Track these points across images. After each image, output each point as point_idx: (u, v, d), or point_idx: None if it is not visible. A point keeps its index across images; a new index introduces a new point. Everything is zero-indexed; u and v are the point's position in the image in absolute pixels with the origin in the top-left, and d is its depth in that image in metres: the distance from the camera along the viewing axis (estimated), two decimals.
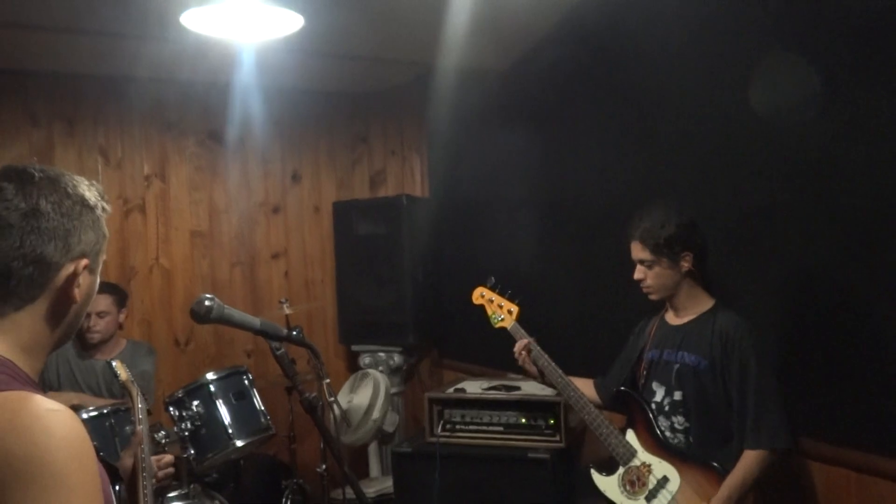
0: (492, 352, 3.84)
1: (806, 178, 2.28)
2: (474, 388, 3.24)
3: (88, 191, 1.11)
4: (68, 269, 1.06)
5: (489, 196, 3.87)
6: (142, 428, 1.98)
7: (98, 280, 1.15)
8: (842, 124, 2.17)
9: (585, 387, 2.60)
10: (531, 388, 3.10)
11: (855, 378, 2.17)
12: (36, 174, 1.07)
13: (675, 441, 2.29)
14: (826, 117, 2.21)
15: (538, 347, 2.53)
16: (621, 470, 2.34)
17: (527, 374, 2.72)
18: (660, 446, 2.29)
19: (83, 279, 1.09)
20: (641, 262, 2.32)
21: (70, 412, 0.97)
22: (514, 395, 3.07)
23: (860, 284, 2.15)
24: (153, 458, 1.93)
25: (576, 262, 3.30)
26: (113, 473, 1.55)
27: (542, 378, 2.57)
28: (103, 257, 1.15)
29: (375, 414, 3.76)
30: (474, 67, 3.67)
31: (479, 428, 3.07)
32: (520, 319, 2.62)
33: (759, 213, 2.43)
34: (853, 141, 2.14)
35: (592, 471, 2.42)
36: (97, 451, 1.22)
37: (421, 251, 4.16)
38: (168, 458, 2.00)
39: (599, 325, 3.16)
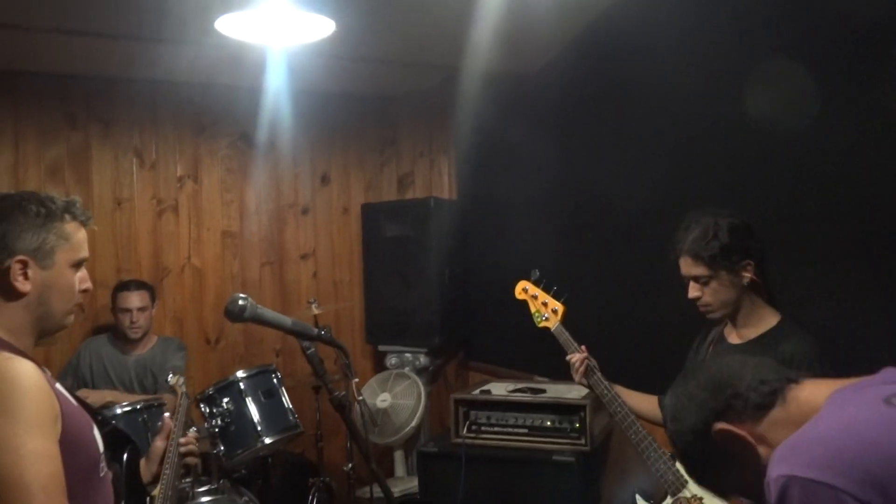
0: (518, 354, 3.86)
1: (826, 184, 2.24)
2: (500, 389, 3.25)
3: (50, 202, 1.41)
4: (6, 265, 1.35)
5: (516, 198, 3.88)
6: (178, 418, 2.14)
7: (66, 275, 1.41)
8: (859, 130, 2.16)
9: (649, 403, 2.36)
10: (557, 391, 3.11)
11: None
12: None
13: None
14: (840, 122, 2.19)
15: (594, 362, 2.37)
16: (669, 500, 2.14)
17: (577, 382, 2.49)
18: None
19: (32, 273, 1.37)
20: (696, 279, 2.04)
21: (30, 364, 1.28)
22: (540, 397, 3.08)
23: (869, 287, 2.10)
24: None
25: (601, 265, 3.30)
26: (123, 439, 1.73)
27: (589, 390, 2.41)
28: (74, 255, 1.42)
29: (415, 421, 3.82)
30: (501, 71, 3.69)
31: (505, 430, 3.08)
32: (565, 321, 2.45)
33: (781, 218, 2.41)
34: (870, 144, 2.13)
35: (638, 497, 2.27)
36: (108, 422, 1.62)
37: (448, 253, 4.18)
38: (190, 436, 2.09)
39: (623, 331, 3.16)
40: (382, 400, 3.91)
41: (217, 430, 3.17)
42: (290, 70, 3.72)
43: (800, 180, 2.36)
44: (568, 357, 2.41)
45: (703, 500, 2.08)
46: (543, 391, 3.16)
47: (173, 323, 4.16)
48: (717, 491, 1.31)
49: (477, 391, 3.25)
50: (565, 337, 2.43)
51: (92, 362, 3.62)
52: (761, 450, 1.13)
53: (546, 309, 2.50)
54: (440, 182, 4.58)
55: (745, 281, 2.01)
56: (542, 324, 2.50)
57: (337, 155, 4.63)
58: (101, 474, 1.40)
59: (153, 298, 3.69)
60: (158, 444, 1.90)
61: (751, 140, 2.52)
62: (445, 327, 4.16)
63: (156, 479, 1.89)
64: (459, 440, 3.09)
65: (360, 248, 4.52)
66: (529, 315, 2.56)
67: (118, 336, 3.65)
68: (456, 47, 3.32)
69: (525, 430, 3.04)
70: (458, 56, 3.43)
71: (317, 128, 4.51)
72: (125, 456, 1.70)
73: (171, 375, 2.61)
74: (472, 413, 3.14)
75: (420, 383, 3.95)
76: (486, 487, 3.01)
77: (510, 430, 3.06)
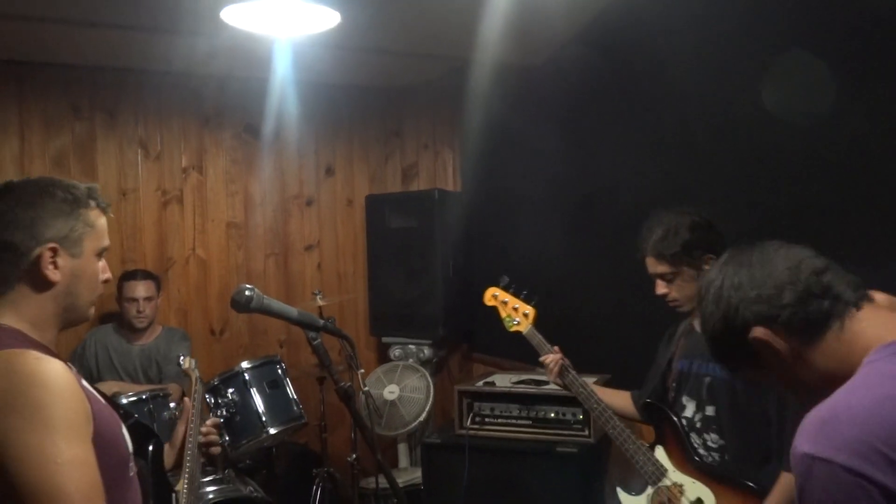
0: (522, 346, 3.83)
1: (836, 177, 2.25)
2: (504, 381, 3.26)
3: (75, 188, 1.34)
4: (37, 252, 1.28)
5: (520, 191, 3.88)
6: (196, 403, 2.09)
7: (96, 264, 1.36)
8: (865, 124, 2.15)
9: (623, 399, 2.47)
10: None
11: None
12: (20, 182, 1.34)
13: (710, 460, 2.11)
14: (852, 115, 2.19)
15: (568, 361, 2.41)
16: (650, 490, 2.18)
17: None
18: (693, 466, 2.12)
19: (62, 261, 1.30)
20: (661, 276, 2.13)
21: (58, 362, 1.21)
22: (544, 389, 3.08)
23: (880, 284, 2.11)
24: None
25: (606, 258, 3.30)
26: (146, 433, 1.72)
27: (564, 388, 2.44)
28: (99, 245, 1.35)
29: (424, 415, 3.84)
30: (507, 63, 3.68)
31: (509, 421, 3.09)
32: (536, 323, 2.47)
33: (790, 211, 2.41)
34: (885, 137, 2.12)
35: (619, 490, 2.29)
36: (131, 415, 1.43)
37: (452, 245, 4.19)
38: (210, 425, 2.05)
39: (630, 324, 3.16)
40: (391, 391, 3.92)
41: (222, 420, 3.18)
42: (296, 61, 3.71)
43: (809, 173, 2.35)
44: (541, 358, 2.44)
45: (684, 488, 2.11)
46: (547, 383, 3.16)
47: (178, 314, 4.17)
48: (734, 372, 1.27)
49: (481, 383, 3.26)
50: (538, 339, 2.46)
51: (97, 351, 3.63)
52: (800, 370, 1.07)
53: (517, 313, 2.53)
54: (444, 174, 4.57)
55: None
56: (514, 328, 2.52)
57: (341, 146, 4.63)
58: (131, 473, 1.35)
59: (159, 288, 3.71)
60: (181, 428, 1.90)
61: (759, 133, 2.51)
62: (449, 319, 4.17)
63: (177, 465, 1.88)
64: (463, 431, 3.10)
65: (364, 239, 4.53)
66: (503, 321, 2.55)
67: (123, 325, 3.67)
68: (461, 39, 3.31)
69: (529, 422, 3.05)
70: (463, 47, 3.42)
71: (321, 119, 4.51)
72: (150, 450, 1.69)
73: (182, 358, 2.59)
74: (476, 404, 3.15)
75: (429, 378, 3.97)
76: (490, 479, 3.02)
77: (514, 421, 3.07)
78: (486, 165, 4.20)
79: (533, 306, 2.50)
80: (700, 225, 2.11)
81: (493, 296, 2.60)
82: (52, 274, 1.29)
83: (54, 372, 1.18)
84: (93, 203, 1.36)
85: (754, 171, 2.53)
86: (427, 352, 4.24)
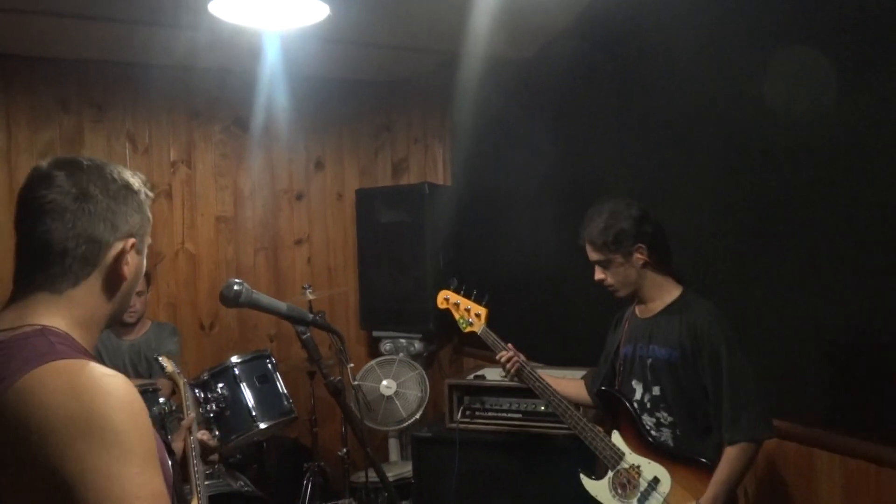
0: (512, 339, 3.86)
1: (824, 169, 2.27)
2: (494, 375, 3.26)
3: (132, 177, 1.20)
4: (117, 247, 1.15)
5: (511, 184, 3.88)
6: (190, 414, 2.08)
7: (145, 261, 1.23)
8: (859, 116, 2.16)
9: (576, 386, 2.57)
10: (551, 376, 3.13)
11: (876, 369, 2.16)
12: (84, 162, 1.15)
13: (663, 438, 2.22)
14: (842, 109, 2.20)
15: (512, 353, 2.48)
16: (611, 473, 2.28)
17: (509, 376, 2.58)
18: (647, 447, 2.23)
19: (131, 258, 1.18)
20: (598, 262, 2.26)
21: (124, 378, 1.03)
22: None
23: (880, 276, 2.14)
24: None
25: None
26: (168, 450, 1.61)
27: (521, 383, 2.52)
28: (149, 240, 1.23)
29: (420, 412, 3.85)
30: (497, 56, 3.68)
31: (499, 414, 3.09)
32: (489, 322, 2.53)
33: (779, 203, 2.43)
34: (872, 132, 2.13)
35: (582, 475, 2.37)
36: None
37: (442, 239, 4.19)
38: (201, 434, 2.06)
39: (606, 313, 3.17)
40: (387, 386, 3.92)
41: (212, 415, 3.17)
42: (285, 55, 3.69)
43: (800, 167, 2.36)
44: (498, 357, 2.51)
45: (641, 469, 2.22)
46: None
47: (167, 308, 4.16)
48: None
49: (471, 376, 3.27)
50: (492, 338, 2.53)
51: None
52: None
53: (469, 314, 2.60)
54: (435, 168, 4.57)
55: (640, 263, 2.22)
56: (468, 329, 2.60)
57: (331, 140, 4.62)
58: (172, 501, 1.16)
59: (148, 283, 3.69)
60: (176, 445, 1.88)
61: (750, 126, 2.52)
62: (440, 313, 4.13)
63: (183, 479, 1.85)
64: (454, 425, 3.10)
65: (354, 233, 4.52)
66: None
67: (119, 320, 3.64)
68: (452, 32, 3.30)
69: (519, 415, 3.06)
70: (453, 41, 3.41)
71: (311, 113, 4.49)
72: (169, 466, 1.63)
73: (161, 358, 2.58)
74: (467, 398, 3.16)
75: (425, 375, 3.97)
76: (481, 472, 3.03)
77: (504, 414, 3.08)
78: (476, 159, 4.20)
79: (484, 306, 2.57)
80: (634, 216, 2.21)
81: (445, 299, 2.67)
82: (127, 270, 1.17)
83: (124, 390, 1.01)
84: (147, 195, 1.23)
85: (745, 164, 2.54)
86: (418, 345, 4.25)
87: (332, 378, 1.74)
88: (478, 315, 2.57)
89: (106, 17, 3.21)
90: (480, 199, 4.16)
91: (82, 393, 0.97)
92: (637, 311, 2.34)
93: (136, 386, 3.18)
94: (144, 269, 1.25)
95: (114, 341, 3.63)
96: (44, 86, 3.87)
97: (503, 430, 3.06)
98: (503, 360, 2.49)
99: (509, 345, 2.52)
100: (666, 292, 2.25)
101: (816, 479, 2.36)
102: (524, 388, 3.05)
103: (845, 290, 2.24)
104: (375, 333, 4.40)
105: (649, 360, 2.24)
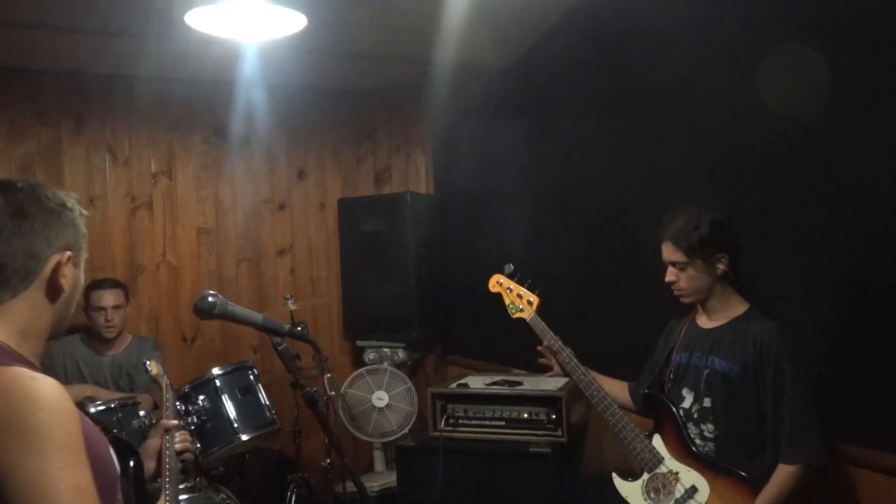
0: (496, 347, 3.87)
1: (818, 174, 2.26)
2: (477, 383, 3.26)
3: (66, 196, 1.31)
4: (54, 259, 1.24)
5: (494, 192, 3.89)
6: (169, 414, 2.12)
7: (82, 275, 1.33)
8: (855, 117, 2.16)
9: (620, 389, 2.53)
10: (534, 383, 3.13)
11: (875, 369, 2.10)
12: (19, 184, 1.27)
13: (705, 449, 2.19)
14: (833, 111, 2.20)
15: (560, 343, 2.48)
16: (646, 476, 2.26)
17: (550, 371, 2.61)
18: (689, 455, 2.20)
19: (68, 270, 1.27)
20: (674, 263, 2.21)
21: (52, 380, 1.14)
22: (517, 390, 3.09)
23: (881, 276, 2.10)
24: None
25: (581, 257, 3.32)
26: (126, 449, 1.67)
27: (566, 375, 2.51)
28: (85, 255, 1.34)
29: (410, 426, 3.86)
30: (478, 64, 3.69)
31: (482, 423, 3.08)
32: (540, 312, 2.52)
33: (764, 208, 2.42)
34: (872, 132, 2.12)
35: (615, 475, 2.34)
36: (109, 430, 1.38)
37: (425, 247, 4.18)
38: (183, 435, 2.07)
39: (603, 321, 3.18)
40: (379, 398, 3.91)
41: (193, 427, 3.15)
42: (264, 65, 3.69)
43: (789, 167, 2.35)
44: (546, 344, 2.51)
45: (679, 475, 2.19)
46: (520, 384, 3.18)
47: (149, 321, 4.12)
48: None
49: (454, 385, 3.26)
50: (541, 326, 2.52)
51: (66, 363, 3.57)
52: None
53: (521, 300, 2.58)
54: (417, 176, 4.57)
55: (719, 272, 2.18)
56: (517, 315, 2.58)
57: (313, 150, 4.61)
58: (119, 495, 1.26)
59: (127, 297, 3.65)
60: (153, 441, 1.90)
61: (736, 126, 2.51)
62: (423, 321, 4.16)
63: (152, 477, 1.89)
64: (437, 434, 3.09)
65: (337, 243, 4.51)
66: (507, 308, 2.60)
67: (92, 336, 3.61)
68: (431, 40, 3.31)
69: (502, 423, 3.05)
70: (432, 49, 3.42)
71: (292, 123, 4.48)
72: (131, 466, 1.64)
73: (148, 363, 2.56)
74: (450, 406, 3.14)
75: (414, 391, 3.97)
76: (465, 480, 3.01)
77: (487, 422, 3.07)
78: (458, 167, 4.21)
79: (538, 295, 2.56)
80: (720, 223, 2.17)
81: (498, 283, 2.65)
82: (65, 282, 1.26)
83: (50, 391, 1.11)
84: (80, 212, 1.34)
85: (733, 165, 2.54)
86: (402, 354, 4.24)
87: (307, 388, 1.73)
88: (530, 302, 2.56)
89: (83, 28, 3.19)
90: (462, 206, 4.17)
91: (9, 396, 1.08)
92: (698, 321, 2.30)
93: (117, 400, 3.15)
94: (83, 282, 1.33)
95: (94, 359, 3.59)
96: (21, 98, 3.84)
97: (486, 437, 3.05)
98: (553, 348, 2.49)
99: (556, 336, 2.51)
100: (731, 306, 2.22)
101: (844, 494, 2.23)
102: (506, 396, 3.07)
103: (845, 290, 2.22)
104: (359, 343, 4.38)
105: (706, 371, 2.20)
